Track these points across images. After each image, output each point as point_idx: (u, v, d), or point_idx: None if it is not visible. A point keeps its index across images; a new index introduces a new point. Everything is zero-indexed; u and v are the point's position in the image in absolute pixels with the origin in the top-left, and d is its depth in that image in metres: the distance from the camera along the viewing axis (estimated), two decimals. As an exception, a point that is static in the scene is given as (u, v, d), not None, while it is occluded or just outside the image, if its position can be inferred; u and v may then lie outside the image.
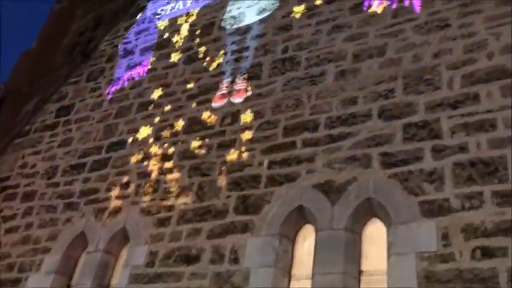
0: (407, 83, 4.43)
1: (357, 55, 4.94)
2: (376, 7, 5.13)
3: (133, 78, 6.93)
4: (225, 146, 5.19)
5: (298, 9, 5.81)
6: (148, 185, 5.49)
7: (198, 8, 7.06)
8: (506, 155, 3.59)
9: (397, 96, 4.40)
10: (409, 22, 4.78)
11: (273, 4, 6.16)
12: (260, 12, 6.23)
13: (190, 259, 4.58)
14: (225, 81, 5.83)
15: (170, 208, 5.10)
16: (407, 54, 4.60)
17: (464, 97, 4.04)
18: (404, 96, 4.37)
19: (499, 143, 3.67)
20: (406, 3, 4.94)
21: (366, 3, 5.25)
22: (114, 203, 5.60)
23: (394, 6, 5.00)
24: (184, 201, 5.05)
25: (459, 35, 4.40)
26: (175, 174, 5.36)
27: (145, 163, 5.74)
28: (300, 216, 4.36)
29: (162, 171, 5.50)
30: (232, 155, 5.05)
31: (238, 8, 6.55)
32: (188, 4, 7.30)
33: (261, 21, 6.13)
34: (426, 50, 4.51)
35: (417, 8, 4.82)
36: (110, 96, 6.96)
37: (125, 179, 5.75)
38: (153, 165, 5.62)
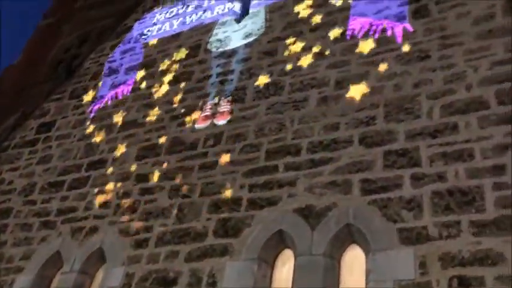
0: (388, 111, 4.50)
1: (339, 82, 5.02)
2: (359, 36, 5.24)
3: (116, 96, 6.91)
4: (207, 168, 5.18)
5: (284, 35, 5.90)
6: (127, 205, 5.42)
7: (185, 30, 7.13)
8: (483, 185, 3.65)
9: (378, 124, 4.47)
10: (391, 52, 4.88)
11: (258, 29, 6.25)
12: (246, 36, 6.31)
13: (167, 282, 4.51)
14: (209, 103, 5.86)
15: (149, 229, 5.04)
16: (388, 83, 4.69)
17: (444, 127, 4.12)
18: (385, 123, 4.44)
19: (476, 172, 3.74)
20: (389, 33, 5.05)
21: (349, 32, 5.36)
22: (92, 223, 5.52)
23: (377, 36, 5.11)
24: (164, 222, 5.00)
25: (439, 66, 4.51)
26: (155, 195, 5.31)
27: (125, 183, 5.68)
28: (279, 241, 4.34)
29: (142, 192, 5.45)
30: (213, 177, 5.04)
31: (225, 32, 6.63)
32: (175, 26, 7.36)
33: (246, 45, 6.20)
34: (407, 79, 4.60)
35: (399, 39, 4.94)
36: (92, 114, 6.92)
37: (104, 198, 5.68)
38: (133, 185, 5.57)
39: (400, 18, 5.08)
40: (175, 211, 5.01)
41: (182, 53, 6.77)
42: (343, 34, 5.39)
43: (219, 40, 6.57)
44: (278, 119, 5.13)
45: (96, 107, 7.00)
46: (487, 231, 3.45)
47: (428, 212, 3.74)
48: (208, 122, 5.64)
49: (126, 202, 5.45)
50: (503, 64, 4.19)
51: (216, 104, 5.78)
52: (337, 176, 4.35)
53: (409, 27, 4.96)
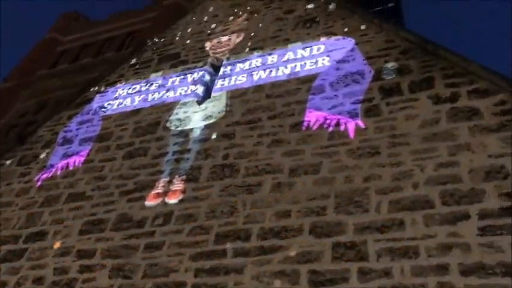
0: (338, 202, 4.58)
1: (293, 170, 5.11)
2: (314, 128, 5.45)
3: (67, 167, 6.73)
4: (153, 248, 5.00)
5: (243, 120, 6.05)
6: (63, 282, 5.08)
7: (145, 107, 7.20)
8: (427, 284, 3.68)
9: (329, 214, 4.52)
10: (343, 146, 5.07)
11: (219, 113, 6.40)
12: (206, 118, 6.43)
13: None
14: (162, 181, 5.79)
15: (83, 311, 4.70)
16: (339, 175, 4.81)
17: (391, 222, 4.20)
18: (335, 214, 4.49)
19: (421, 271, 3.78)
20: (342, 128, 5.28)
21: (305, 123, 5.57)
22: (22, 300, 5.10)
23: (330, 129, 5.33)
24: (100, 304, 4.69)
25: (388, 163, 4.70)
26: (95, 273, 5.03)
27: (64, 258, 5.37)
28: (222, 331, 4.14)
29: (82, 269, 5.15)
30: (158, 258, 4.85)
31: (185, 112, 6.74)
32: (136, 102, 7.43)
33: (205, 126, 6.30)
34: (357, 173, 4.75)
35: (351, 134, 5.16)
36: (39, 183, 6.67)
37: (39, 274, 5.32)
38: (73, 262, 5.26)
39: (353, 115, 5.35)
40: (114, 293, 4.73)
41: (140, 129, 6.78)
42: (299, 124, 5.59)
43: (179, 119, 6.66)
44: (230, 202, 5.10)
45: (44, 176, 6.77)
46: (430, 332, 3.42)
47: (374, 308, 3.69)
48: (159, 200, 5.54)
49: (62, 279, 5.11)
50: (446, 166, 4.41)
51: (169, 182, 5.72)
52: (286, 265, 4.29)
53: (361, 123, 5.21)
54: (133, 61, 8.56)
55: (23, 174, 6.99)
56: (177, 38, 8.63)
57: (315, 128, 5.44)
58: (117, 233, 5.37)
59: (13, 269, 5.51)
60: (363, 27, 6.51)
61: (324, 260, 4.18)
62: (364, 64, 5.93)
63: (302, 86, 6.10)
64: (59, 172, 6.72)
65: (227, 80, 6.92)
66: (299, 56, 6.65)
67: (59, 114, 8.00)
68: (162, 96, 7.28)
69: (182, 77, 7.51)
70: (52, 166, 6.90)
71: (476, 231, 3.86)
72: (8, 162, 7.36)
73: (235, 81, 6.81)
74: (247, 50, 7.35)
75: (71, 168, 6.68)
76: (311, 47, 6.69)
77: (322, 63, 6.29)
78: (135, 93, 7.66)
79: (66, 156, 6.97)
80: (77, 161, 6.76)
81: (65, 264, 5.29)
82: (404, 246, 3.97)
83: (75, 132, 7.40)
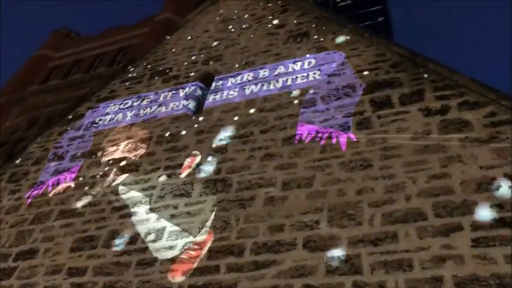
0: (331, 216, 4.56)
1: (286, 183, 5.10)
2: (306, 141, 5.45)
3: (58, 183, 6.67)
4: (145, 265, 4.93)
5: (235, 134, 6.04)
6: (54, 301, 5.00)
7: (137, 122, 7.18)
8: (422, 297, 3.66)
9: (322, 228, 4.50)
10: (335, 158, 5.08)
11: (210, 127, 6.39)
12: (198, 133, 6.41)
13: None
14: (154, 197, 5.74)
15: (74, 330, 4.62)
16: (332, 188, 4.81)
17: (384, 235, 4.19)
18: (329, 228, 4.48)
19: (415, 283, 3.76)
20: (334, 141, 5.29)
21: (297, 137, 5.57)
22: (11, 320, 5.01)
23: (322, 142, 5.34)
24: (92, 323, 4.61)
25: (380, 176, 4.71)
26: (87, 292, 4.95)
27: (55, 276, 5.29)
28: None
29: (73, 287, 5.07)
30: (151, 275, 4.79)
31: (177, 127, 6.72)
32: (128, 117, 7.41)
33: (197, 141, 6.28)
34: (350, 186, 4.75)
35: (343, 147, 5.17)
36: (29, 201, 6.60)
37: (29, 292, 5.23)
38: (63, 280, 5.18)
39: (344, 128, 5.37)
40: (106, 311, 4.65)
41: (131, 144, 6.75)
42: (291, 138, 5.59)
43: (171, 135, 6.63)
44: (223, 217, 5.07)
45: (35, 192, 6.70)
46: None
47: (369, 322, 3.66)
48: (151, 216, 5.48)
49: (53, 298, 5.03)
50: (438, 178, 4.42)
51: (161, 198, 5.67)
52: (280, 280, 4.25)
53: (352, 136, 5.23)
54: (125, 76, 8.56)
55: (13, 192, 6.91)
56: (168, 53, 8.66)
57: (307, 141, 5.45)
58: (108, 249, 5.30)
59: (2, 288, 5.42)
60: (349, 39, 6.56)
61: (318, 273, 4.15)
62: (355, 78, 5.97)
63: (294, 100, 6.12)
64: (49, 189, 6.65)
65: (219, 94, 6.93)
66: (290, 69, 6.68)
67: (49, 130, 7.95)
68: (154, 111, 7.27)
69: (174, 91, 7.51)
70: (43, 183, 6.83)
71: (469, 243, 3.85)
72: None
73: (227, 95, 6.82)
74: (238, 64, 7.38)
75: (62, 184, 6.62)
76: (302, 61, 6.73)
77: (314, 77, 6.33)
78: (126, 108, 7.65)
79: (57, 172, 6.91)
80: (68, 177, 6.70)
81: (55, 282, 5.21)
82: (398, 259, 3.96)
83: (66, 148, 7.35)
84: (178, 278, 4.64)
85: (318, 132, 5.49)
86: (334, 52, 6.59)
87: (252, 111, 6.29)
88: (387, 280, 3.87)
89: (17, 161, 7.54)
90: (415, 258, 3.91)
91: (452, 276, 3.71)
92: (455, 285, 3.65)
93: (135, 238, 5.30)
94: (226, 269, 4.55)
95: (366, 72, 5.97)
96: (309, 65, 6.60)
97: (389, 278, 3.87)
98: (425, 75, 5.52)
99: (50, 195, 6.52)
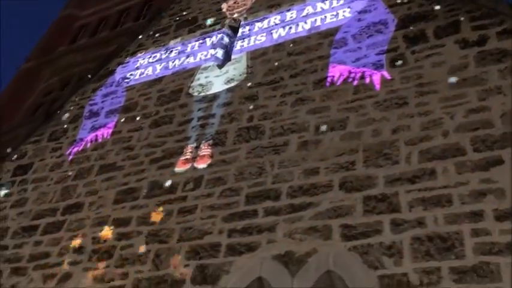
0: (367, 156, 4.53)
1: (319, 127, 5.06)
2: (339, 83, 5.35)
3: (96, 139, 6.85)
4: (186, 212, 5.09)
5: (265, 81, 5.99)
6: (103, 250, 5.26)
7: (167, 75, 7.19)
8: (462, 231, 3.65)
9: (358, 169, 4.49)
10: (369, 98, 4.97)
11: (240, 75, 6.34)
12: (228, 81, 6.39)
13: (141, 332, 4.32)
14: (190, 147, 5.83)
15: (124, 276, 4.87)
16: (367, 129, 4.74)
17: (422, 172, 4.15)
18: (365, 169, 4.46)
19: (455, 218, 3.74)
20: (367, 80, 5.17)
21: (329, 79, 5.46)
22: (66, 269, 5.32)
23: (355, 83, 5.22)
24: (140, 269, 4.84)
25: (416, 113, 4.60)
26: (132, 240, 5.18)
27: (101, 227, 5.54)
28: (259, 288, 4.23)
29: (119, 237, 5.31)
30: (192, 222, 4.95)
31: (207, 77, 6.70)
32: (158, 70, 7.43)
33: (228, 90, 6.26)
34: (385, 125, 4.67)
35: (377, 86, 5.05)
36: (70, 157, 6.83)
37: (79, 243, 5.51)
38: (109, 230, 5.42)
39: (378, 66, 5.21)
40: (152, 257, 4.87)
41: (163, 97, 6.80)
42: (322, 80, 5.49)
43: (201, 85, 6.64)
44: (258, 163, 5.12)
45: (75, 149, 6.92)
46: (467, 278, 3.42)
47: (409, 258, 3.70)
48: (188, 166, 5.60)
49: (102, 248, 5.29)
50: (477, 112, 4.29)
51: (197, 148, 5.76)
52: (317, 221, 4.31)
53: (386, 74, 5.08)
54: (152, 29, 8.51)
55: (54, 149, 7.16)
56: (192, 2, 8.50)
57: (339, 82, 5.35)
58: (150, 200, 5.48)
59: (54, 240, 5.73)
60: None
61: (356, 213, 4.18)
62: (386, 13, 5.73)
63: (324, 41, 5.96)
64: (88, 145, 6.85)
65: (246, 40, 6.82)
66: (319, 9, 6.47)
67: (83, 88, 8.09)
68: (182, 63, 7.25)
69: (201, 41, 7.44)
70: (81, 140, 7.04)
71: (510, 176, 3.77)
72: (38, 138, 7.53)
73: (254, 41, 6.70)
74: (265, 8, 7.19)
75: (99, 140, 6.80)
76: (330, -1, 6.49)
77: (343, 15, 6.11)
78: (155, 61, 7.66)
79: (94, 129, 7.09)
80: (105, 133, 6.86)
81: (102, 233, 5.46)
82: (436, 195, 3.93)
83: (100, 105, 7.49)
84: None
85: (350, 72, 5.36)
86: (364, -12, 6.31)
87: (281, 55, 6.18)
88: (426, 216, 3.86)
89: (55, 120, 7.75)
90: (454, 194, 3.87)
91: (493, 210, 3.66)
92: (496, 218, 3.61)
93: (174, 187, 5.44)
94: (264, 213, 4.64)
95: (398, 7, 5.71)
96: (337, 2, 6.36)
97: (428, 214, 3.87)
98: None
99: (90, 151, 6.72)
